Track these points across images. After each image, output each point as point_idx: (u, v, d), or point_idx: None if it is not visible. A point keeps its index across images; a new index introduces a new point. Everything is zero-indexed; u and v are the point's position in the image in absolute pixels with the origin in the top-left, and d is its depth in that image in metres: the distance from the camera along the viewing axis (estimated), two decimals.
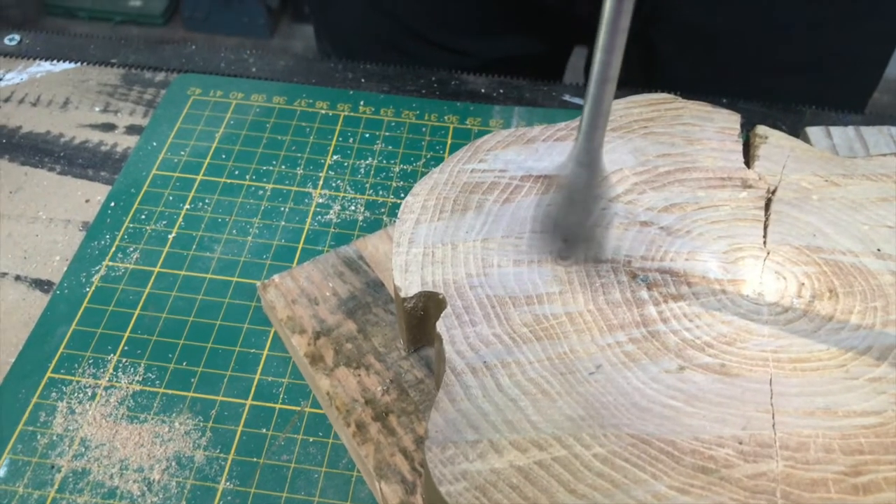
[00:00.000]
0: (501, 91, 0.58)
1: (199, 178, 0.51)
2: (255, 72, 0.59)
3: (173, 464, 0.38)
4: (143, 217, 0.49)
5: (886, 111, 0.58)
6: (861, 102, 0.64)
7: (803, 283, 0.34)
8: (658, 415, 0.30)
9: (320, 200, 0.50)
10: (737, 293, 0.33)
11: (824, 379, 0.31)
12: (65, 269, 0.46)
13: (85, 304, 0.44)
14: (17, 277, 0.46)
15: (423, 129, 0.54)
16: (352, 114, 0.55)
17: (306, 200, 0.50)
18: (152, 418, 0.39)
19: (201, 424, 0.39)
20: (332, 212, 0.49)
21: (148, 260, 0.46)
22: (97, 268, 0.46)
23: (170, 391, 0.41)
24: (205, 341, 0.43)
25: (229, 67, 0.59)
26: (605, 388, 0.30)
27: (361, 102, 0.56)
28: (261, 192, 0.50)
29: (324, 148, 0.53)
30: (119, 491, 0.37)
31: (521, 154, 0.39)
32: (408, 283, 0.34)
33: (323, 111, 0.56)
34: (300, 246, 0.47)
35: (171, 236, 0.48)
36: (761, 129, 0.41)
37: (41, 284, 0.45)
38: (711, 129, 0.40)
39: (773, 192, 0.37)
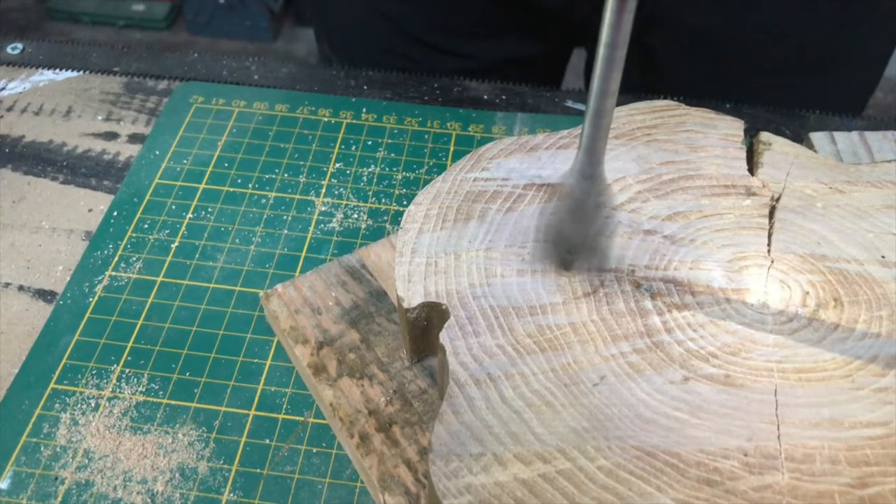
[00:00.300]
0: (504, 97, 0.58)
1: (202, 186, 0.51)
2: (258, 79, 0.59)
3: (177, 475, 0.38)
4: (146, 226, 0.49)
5: (888, 112, 0.58)
6: (861, 102, 0.64)
7: (808, 292, 0.34)
8: (663, 426, 0.29)
9: (323, 208, 0.50)
10: (741, 302, 0.33)
11: (830, 389, 0.30)
12: (68, 279, 0.46)
13: (88, 314, 0.44)
14: (21, 288, 0.46)
15: (426, 136, 0.54)
16: (354, 121, 0.55)
17: (309, 209, 0.50)
18: (156, 429, 0.39)
19: (205, 435, 0.39)
20: (334, 220, 0.49)
21: (151, 269, 0.46)
22: (100, 278, 0.46)
23: (173, 402, 0.40)
24: (208, 351, 0.42)
25: (231, 75, 0.59)
26: (609, 399, 0.30)
27: (364, 110, 0.56)
28: (263, 200, 0.50)
29: (326, 156, 0.53)
30: (122, 502, 0.37)
31: (523, 162, 0.39)
32: (411, 294, 0.34)
33: (325, 119, 0.55)
34: (303, 254, 0.47)
35: (174, 245, 0.48)
36: (765, 136, 0.40)
37: (44, 294, 0.45)
38: (715, 136, 0.40)
39: (778, 200, 0.37)
